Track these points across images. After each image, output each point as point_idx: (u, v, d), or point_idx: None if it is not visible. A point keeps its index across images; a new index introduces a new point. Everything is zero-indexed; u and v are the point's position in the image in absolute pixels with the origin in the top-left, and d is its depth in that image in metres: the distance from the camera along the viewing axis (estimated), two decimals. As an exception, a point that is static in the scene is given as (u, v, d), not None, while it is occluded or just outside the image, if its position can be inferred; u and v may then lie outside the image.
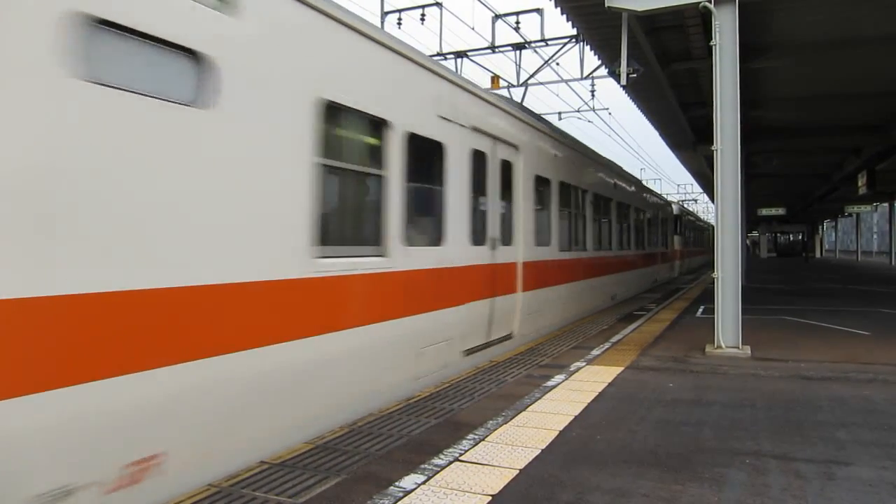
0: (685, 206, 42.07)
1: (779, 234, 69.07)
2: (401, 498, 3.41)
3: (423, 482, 3.63)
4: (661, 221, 22.86)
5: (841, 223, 68.00)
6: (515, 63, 16.49)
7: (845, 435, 4.58)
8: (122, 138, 3.20)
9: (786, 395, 5.78)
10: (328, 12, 4.77)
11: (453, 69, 13.58)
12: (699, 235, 42.13)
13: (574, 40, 15.46)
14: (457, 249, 6.73)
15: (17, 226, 2.78)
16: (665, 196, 30.25)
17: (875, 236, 62.18)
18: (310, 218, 4.51)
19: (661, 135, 22.73)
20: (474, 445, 4.29)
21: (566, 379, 6.43)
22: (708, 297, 13.31)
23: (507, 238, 8.22)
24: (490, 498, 3.41)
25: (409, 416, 4.99)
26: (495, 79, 16.38)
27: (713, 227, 38.81)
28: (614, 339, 9.08)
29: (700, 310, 13.16)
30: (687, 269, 33.17)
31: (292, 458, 4.02)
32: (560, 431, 4.63)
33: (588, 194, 12.19)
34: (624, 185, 16.10)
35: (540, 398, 5.62)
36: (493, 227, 7.79)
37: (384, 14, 15.45)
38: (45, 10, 2.88)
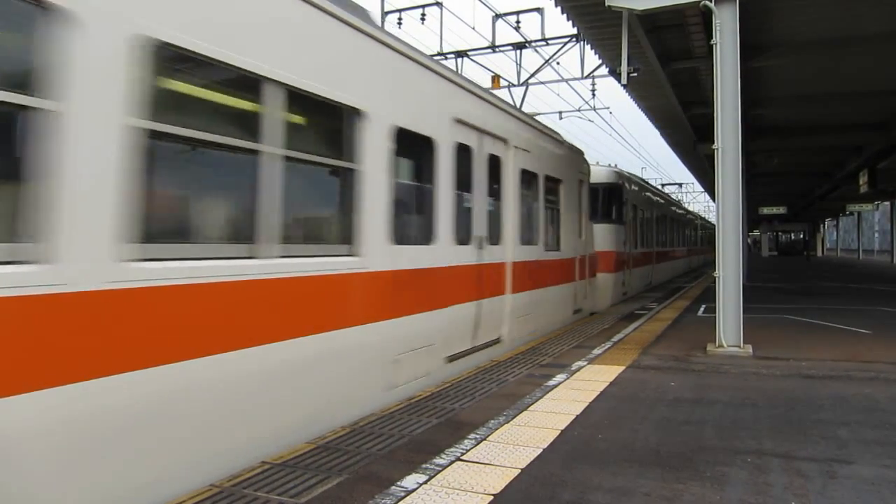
0: (647, 182, 23.35)
1: (780, 233, 69.07)
2: (402, 497, 3.41)
3: (425, 482, 3.63)
4: (559, 194, 10.43)
5: (842, 222, 67.94)
6: (516, 62, 16.50)
7: (847, 433, 4.58)
8: None
9: (787, 394, 5.78)
10: None
11: (454, 69, 13.52)
12: (679, 228, 28.61)
13: (574, 39, 15.46)
14: None
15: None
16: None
17: (876, 235, 62.10)
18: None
19: (661, 134, 22.75)
20: (476, 445, 4.29)
21: (567, 378, 6.43)
22: (709, 296, 13.30)
23: None
24: (492, 497, 3.41)
25: (410, 416, 4.99)
26: (496, 78, 16.39)
27: (699, 217, 30.05)
28: (615, 339, 9.08)
29: (701, 309, 13.16)
30: (651, 282, 20.37)
31: (294, 458, 4.02)
32: (562, 431, 4.63)
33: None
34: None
35: (541, 397, 5.62)
36: None
37: (384, 14, 15.46)
38: None
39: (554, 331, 9.91)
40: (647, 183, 22.30)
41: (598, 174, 14.65)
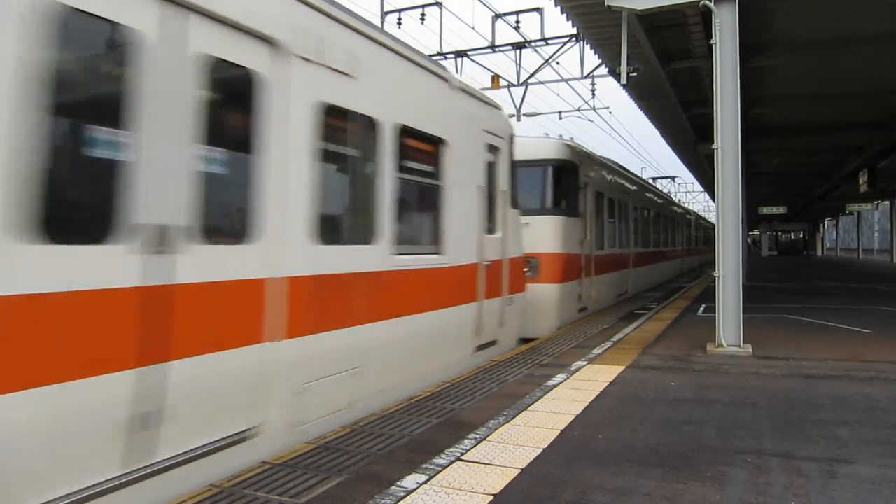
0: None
1: (780, 233, 69.13)
2: (402, 497, 3.40)
3: (425, 482, 3.63)
4: (441, 163, 6.63)
5: (842, 221, 67.97)
6: (516, 62, 16.51)
7: (847, 433, 4.57)
8: None
9: (787, 394, 5.77)
10: None
11: (454, 70, 13.46)
12: (668, 226, 23.62)
13: (574, 39, 15.46)
14: None
15: None
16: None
17: (876, 234, 62.18)
18: None
19: (661, 134, 22.76)
20: (476, 445, 4.29)
21: (567, 378, 6.42)
22: (709, 295, 13.30)
23: None
24: (492, 497, 3.41)
25: (410, 416, 4.99)
26: (496, 78, 16.39)
27: (693, 213, 27.12)
28: (615, 338, 9.08)
29: (701, 308, 13.16)
30: (627, 290, 16.11)
31: (294, 457, 4.02)
32: (562, 431, 4.63)
33: None
34: None
35: (541, 397, 5.62)
36: None
37: (384, 14, 15.46)
38: None
39: (437, 384, 6.18)
40: (622, 168, 17.00)
41: (541, 147, 10.94)
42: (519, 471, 3.80)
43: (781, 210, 43.39)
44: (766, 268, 33.53)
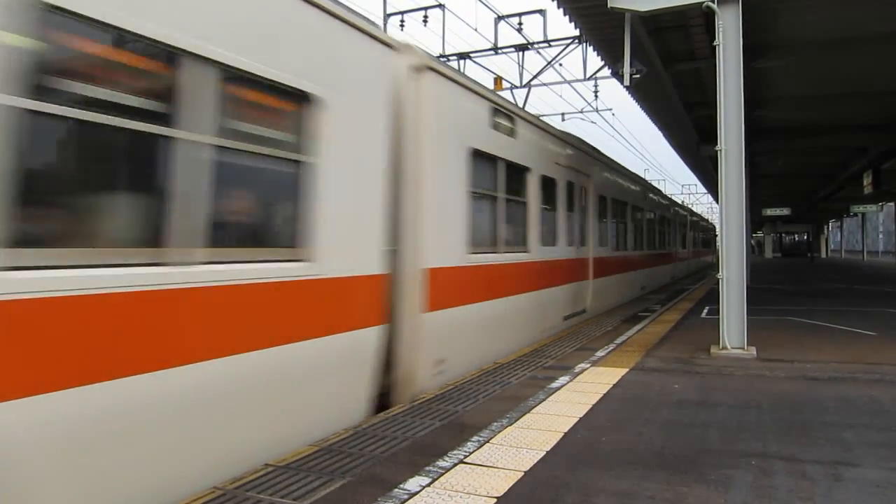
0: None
1: (783, 235, 68.90)
2: (405, 500, 3.40)
3: (428, 484, 3.62)
4: None
5: (846, 223, 67.73)
6: (518, 64, 16.51)
7: (852, 436, 4.55)
8: None
9: (792, 396, 5.75)
10: None
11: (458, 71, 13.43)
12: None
13: (577, 41, 15.45)
14: None
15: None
16: None
17: (881, 236, 62.05)
18: None
19: (664, 135, 22.72)
20: (479, 447, 4.28)
21: (571, 380, 6.41)
22: (713, 298, 13.27)
23: None
24: (495, 500, 3.40)
25: (413, 418, 4.98)
26: (498, 80, 16.38)
27: (657, 193, 23.30)
28: (619, 341, 9.06)
29: (705, 311, 13.12)
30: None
31: (297, 460, 4.02)
32: (565, 433, 4.62)
33: None
34: None
35: (544, 400, 5.61)
36: None
37: (387, 16, 15.47)
38: None
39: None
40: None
41: None
42: (522, 473, 3.79)
43: (785, 212, 43.18)
44: (770, 270, 33.45)
